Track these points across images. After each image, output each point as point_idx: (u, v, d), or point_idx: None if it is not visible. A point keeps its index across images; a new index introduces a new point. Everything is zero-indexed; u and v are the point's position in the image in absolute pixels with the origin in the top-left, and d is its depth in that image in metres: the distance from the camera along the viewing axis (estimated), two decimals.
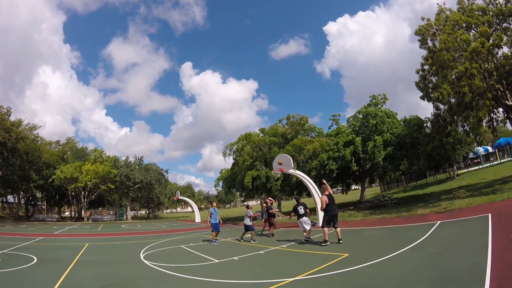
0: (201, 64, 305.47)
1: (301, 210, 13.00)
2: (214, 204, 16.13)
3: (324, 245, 10.60)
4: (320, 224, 11.11)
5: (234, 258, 10.30)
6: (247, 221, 15.16)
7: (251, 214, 15.72)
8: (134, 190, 54.85)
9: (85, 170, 46.95)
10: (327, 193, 11.34)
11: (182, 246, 14.65)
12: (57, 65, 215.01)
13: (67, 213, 72.15)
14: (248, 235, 15.20)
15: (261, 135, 34.09)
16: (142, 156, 60.30)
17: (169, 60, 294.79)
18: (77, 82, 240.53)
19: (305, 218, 12.80)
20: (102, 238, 21.31)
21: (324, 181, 13.36)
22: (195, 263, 10.07)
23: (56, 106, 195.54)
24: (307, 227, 12.69)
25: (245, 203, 17.65)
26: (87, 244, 16.53)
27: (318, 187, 19.06)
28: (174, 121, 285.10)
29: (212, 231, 15.04)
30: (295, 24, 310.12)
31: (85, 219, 50.15)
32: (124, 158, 58.92)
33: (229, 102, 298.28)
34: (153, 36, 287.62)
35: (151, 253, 12.67)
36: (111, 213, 56.84)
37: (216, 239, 14.89)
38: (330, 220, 11.07)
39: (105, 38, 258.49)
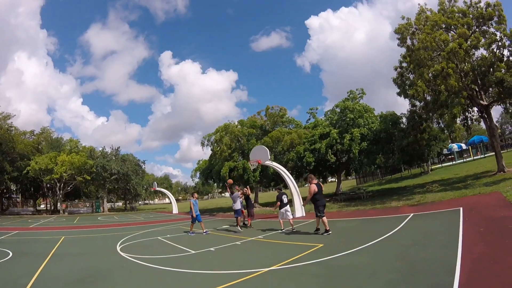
0: (181, 53, 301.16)
1: (285, 199, 13.26)
2: (196, 195, 16.06)
3: (327, 234, 10.48)
4: (316, 214, 10.97)
5: (211, 249, 10.29)
6: (237, 205, 15.00)
7: (239, 195, 15.69)
8: (111, 182, 53.72)
9: (60, 161, 45.53)
10: (315, 181, 11.21)
11: (159, 237, 14.58)
12: (33, 51, 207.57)
13: (42, 206, 70.22)
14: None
15: (239, 126, 34.01)
16: (119, 147, 59.29)
17: (149, 48, 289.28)
18: (53, 69, 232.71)
19: (287, 207, 13.07)
20: (78, 230, 20.97)
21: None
22: (171, 254, 10.02)
23: (32, 94, 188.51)
24: (290, 216, 12.95)
25: (236, 188, 17.04)
26: (63, 237, 16.30)
27: (294, 179, 19.21)
28: (152, 111, 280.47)
29: (192, 222, 15.11)
30: (277, 17, 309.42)
31: (61, 211, 48.94)
32: (100, 149, 57.78)
33: (209, 92, 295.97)
34: (133, 23, 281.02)
35: (128, 245, 12.57)
36: (88, 205, 55.67)
37: (193, 231, 15.00)
38: (324, 208, 10.98)
39: (83, 24, 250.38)
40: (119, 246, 12.32)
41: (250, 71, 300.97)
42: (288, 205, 13.20)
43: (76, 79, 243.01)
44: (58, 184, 47.62)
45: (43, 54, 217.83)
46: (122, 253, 10.55)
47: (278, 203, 13.25)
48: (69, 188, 50.18)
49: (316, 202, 10.93)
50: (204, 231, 14.57)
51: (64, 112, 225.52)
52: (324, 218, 10.71)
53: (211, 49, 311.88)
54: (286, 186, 20.47)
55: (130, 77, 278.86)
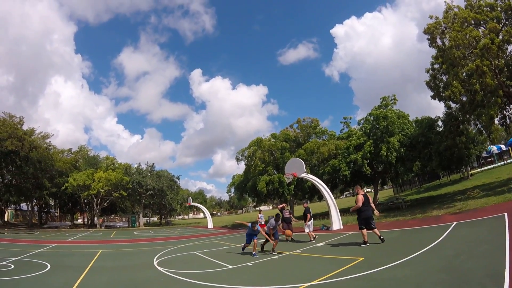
0: (210, 70, 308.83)
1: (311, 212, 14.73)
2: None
3: (364, 246, 10.37)
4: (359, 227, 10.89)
5: (248, 263, 10.29)
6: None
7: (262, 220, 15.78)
8: (146, 197, 55.29)
9: (97, 178, 47.55)
10: (362, 192, 11.09)
11: (195, 252, 14.71)
12: (69, 75, 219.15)
13: (80, 220, 72.89)
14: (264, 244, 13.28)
15: (272, 140, 34.09)
16: (154, 163, 61.02)
17: (179, 67, 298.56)
18: (89, 91, 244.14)
19: (312, 221, 15.15)
20: (115, 244, 21.49)
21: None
22: (208, 269, 10.09)
23: (68, 114, 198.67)
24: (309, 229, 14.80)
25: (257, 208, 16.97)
26: (100, 250, 16.73)
27: (330, 191, 18.97)
28: (185, 127, 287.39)
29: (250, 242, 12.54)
30: (303, 28, 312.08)
31: (97, 226, 50.64)
32: (136, 165, 59.74)
33: (239, 107, 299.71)
34: (163, 45, 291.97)
35: (165, 259, 12.74)
36: (124, 220, 57.17)
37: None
38: (366, 222, 10.76)
39: (116, 48, 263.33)
40: (156, 260, 12.49)
41: (280, 84, 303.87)
42: (312, 219, 15.15)
43: (111, 100, 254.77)
44: (95, 200, 49.53)
45: (78, 77, 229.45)
46: (159, 268, 10.66)
47: (308, 215, 14.87)
48: (105, 204, 52.00)
49: (360, 213, 10.82)
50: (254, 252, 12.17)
51: (100, 131, 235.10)
52: (364, 231, 10.58)
53: (240, 65, 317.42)
54: (321, 197, 20.29)
55: (162, 96, 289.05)
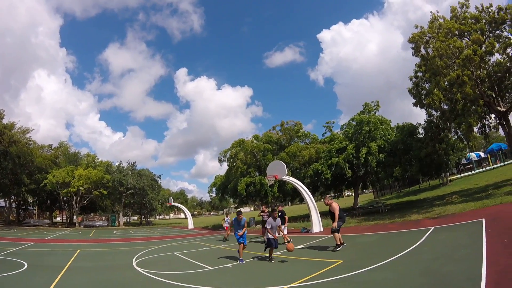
0: (196, 70, 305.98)
1: None
2: (241, 216, 11.65)
3: (338, 250, 10.49)
4: (333, 229, 10.97)
5: (228, 265, 10.22)
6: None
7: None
8: (127, 196, 54.37)
9: (77, 175, 46.55)
10: (332, 199, 11.41)
11: (175, 253, 14.55)
12: (53, 69, 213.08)
13: (58, 218, 71.16)
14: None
15: (255, 141, 34.10)
16: (135, 162, 60.06)
17: (165, 66, 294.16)
18: (72, 86, 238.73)
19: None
20: (94, 244, 21.08)
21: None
22: (188, 270, 9.99)
23: (50, 109, 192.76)
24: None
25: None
26: (79, 250, 16.33)
27: (311, 194, 19.07)
28: (168, 127, 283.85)
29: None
30: (290, 32, 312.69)
31: (76, 224, 49.46)
32: (117, 164, 58.52)
33: (224, 108, 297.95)
34: (150, 42, 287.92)
35: (144, 260, 12.54)
36: (103, 219, 56.02)
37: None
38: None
39: (102, 43, 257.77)
40: (135, 260, 12.29)
41: (265, 86, 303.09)
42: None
43: (94, 96, 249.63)
44: (74, 198, 48.46)
45: (62, 72, 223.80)
46: (138, 268, 10.48)
47: (286, 218, 15.03)
48: (85, 202, 50.97)
49: (340, 219, 11.01)
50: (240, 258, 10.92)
51: (82, 128, 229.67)
52: (339, 234, 10.82)
53: (226, 66, 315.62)
54: (302, 200, 20.37)
55: (147, 94, 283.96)
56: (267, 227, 10.89)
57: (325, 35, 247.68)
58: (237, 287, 7.25)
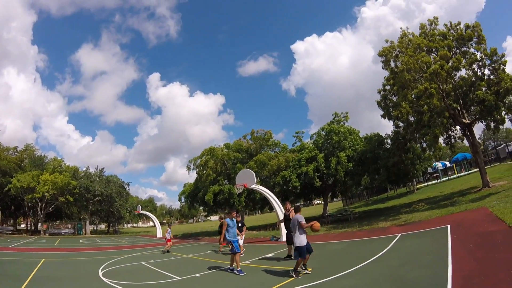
0: (169, 75, 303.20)
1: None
2: (234, 213, 10.98)
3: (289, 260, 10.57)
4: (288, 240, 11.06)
5: (196, 275, 10.00)
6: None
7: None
8: (94, 203, 52.46)
9: (43, 180, 44.37)
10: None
11: (142, 262, 14.17)
12: (23, 67, 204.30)
13: (22, 225, 68.08)
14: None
15: (225, 150, 33.97)
16: (103, 168, 58.10)
17: (138, 70, 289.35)
18: (41, 86, 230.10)
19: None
20: (59, 253, 20.36)
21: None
22: (155, 280, 9.68)
23: (18, 109, 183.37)
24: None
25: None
26: (43, 259, 15.67)
27: (281, 203, 19.10)
28: (139, 132, 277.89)
29: (232, 252, 9.97)
30: (265, 42, 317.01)
31: (41, 232, 47.32)
32: (84, 169, 56.42)
33: (196, 115, 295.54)
34: (124, 45, 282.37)
35: (110, 270, 12.17)
36: (69, 227, 53.86)
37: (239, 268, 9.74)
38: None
39: (75, 43, 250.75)
40: (101, 271, 11.91)
41: (237, 95, 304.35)
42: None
43: (64, 97, 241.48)
44: (39, 204, 46.33)
45: (32, 70, 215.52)
46: (104, 279, 10.14)
47: (244, 228, 15.07)
48: (50, 209, 48.81)
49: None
50: (238, 269, 9.71)
51: (49, 130, 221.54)
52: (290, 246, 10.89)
53: (200, 73, 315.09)
54: (272, 209, 20.36)
55: (118, 98, 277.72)
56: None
57: (298, 46, 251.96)
58: None
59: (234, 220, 10.41)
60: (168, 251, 18.04)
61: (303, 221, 8.48)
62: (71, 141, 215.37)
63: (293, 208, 11.07)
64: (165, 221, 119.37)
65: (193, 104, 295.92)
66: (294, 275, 7.94)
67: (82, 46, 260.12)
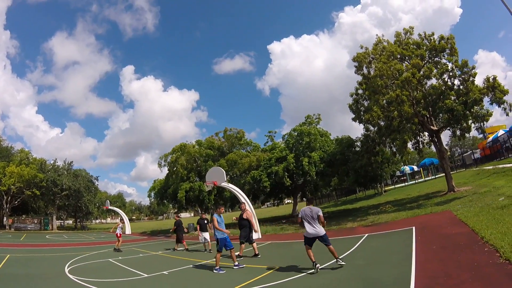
0: (143, 69, 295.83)
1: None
2: (222, 209, 10.93)
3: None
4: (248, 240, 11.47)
5: (164, 272, 9.94)
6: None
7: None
8: (61, 198, 50.85)
9: (8, 172, 42.86)
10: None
11: (110, 259, 13.95)
12: None
13: None
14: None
15: (197, 147, 33.78)
16: (72, 161, 56.55)
17: (112, 62, 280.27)
18: (11, 73, 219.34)
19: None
20: (25, 249, 19.90)
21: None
22: (122, 277, 9.58)
23: None
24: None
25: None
26: (8, 255, 15.35)
27: (251, 201, 19.19)
28: (110, 126, 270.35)
29: (218, 250, 9.76)
30: (242, 41, 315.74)
31: (6, 227, 45.66)
32: (52, 162, 54.60)
33: (169, 111, 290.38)
34: (100, 36, 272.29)
35: (77, 267, 11.98)
36: (36, 222, 51.82)
37: (221, 267, 9.45)
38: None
39: (49, 31, 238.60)
40: (68, 267, 11.70)
41: (212, 92, 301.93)
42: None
43: (34, 87, 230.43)
44: (5, 197, 44.84)
45: (2, 57, 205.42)
46: (70, 276, 9.96)
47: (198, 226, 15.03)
48: (16, 202, 47.23)
49: (245, 227, 11.42)
50: (218, 267, 9.41)
51: (17, 120, 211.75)
52: (254, 244, 11.43)
53: (175, 68, 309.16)
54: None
55: (90, 90, 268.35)
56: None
57: (275, 47, 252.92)
58: None
59: (222, 216, 10.14)
60: (119, 250, 17.27)
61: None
62: (39, 132, 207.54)
63: (247, 208, 11.85)
64: (134, 217, 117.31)
65: (167, 99, 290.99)
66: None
67: (56, 34, 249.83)
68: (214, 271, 9.24)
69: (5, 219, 48.22)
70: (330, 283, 6.73)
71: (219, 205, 11.66)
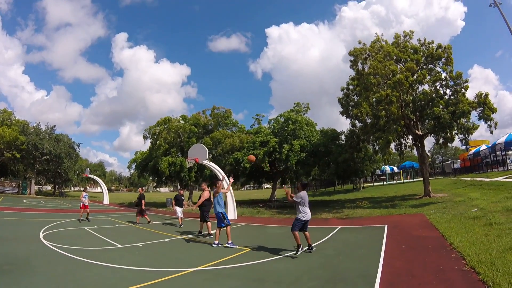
0: (137, 38, 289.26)
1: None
2: (220, 183, 10.47)
3: (209, 237, 11.24)
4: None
5: (138, 244, 10.08)
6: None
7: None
8: (41, 162, 49.78)
9: None
10: (208, 189, 11.87)
11: (85, 228, 14.07)
12: None
13: None
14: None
15: (182, 122, 33.48)
16: (54, 125, 55.15)
17: (106, 27, 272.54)
18: (1, 30, 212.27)
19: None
20: (0, 212, 19.75)
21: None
22: (96, 246, 9.68)
23: None
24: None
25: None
26: None
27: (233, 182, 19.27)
28: (96, 92, 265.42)
29: (219, 226, 9.73)
30: (240, 21, 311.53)
31: None
32: (34, 125, 53.23)
33: (158, 83, 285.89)
34: None
35: (52, 233, 12.07)
36: (14, 185, 51.31)
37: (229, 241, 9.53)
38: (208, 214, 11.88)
39: None
40: (43, 233, 11.80)
41: (204, 69, 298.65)
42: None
43: (23, 46, 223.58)
44: None
45: None
46: (44, 241, 10.07)
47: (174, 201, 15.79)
48: None
49: (204, 207, 11.58)
50: (230, 241, 9.52)
51: (2, 79, 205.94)
52: (209, 223, 11.54)
53: (169, 40, 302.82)
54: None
55: (80, 54, 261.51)
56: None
57: (273, 31, 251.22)
58: (142, 267, 7.12)
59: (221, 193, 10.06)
60: (87, 219, 17.11)
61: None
62: (24, 93, 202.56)
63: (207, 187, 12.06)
64: (113, 187, 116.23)
65: (157, 71, 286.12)
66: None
67: None
68: (227, 244, 9.38)
69: None
70: (298, 269, 6.87)
71: (218, 180, 11.82)
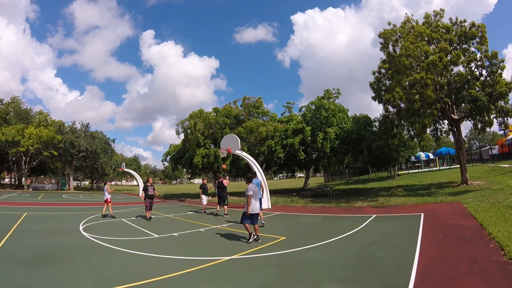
0: (163, 34, 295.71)
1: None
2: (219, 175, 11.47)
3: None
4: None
5: (174, 234, 10.31)
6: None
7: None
8: (78, 159, 52.27)
9: (27, 134, 43.85)
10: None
11: (123, 219, 14.44)
12: (12, 17, 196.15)
13: (6, 180, 67.81)
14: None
15: (214, 114, 33.73)
16: (89, 123, 57.66)
17: (133, 27, 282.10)
18: (31, 37, 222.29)
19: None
20: (42, 207, 20.55)
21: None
22: (134, 237, 9.99)
23: (5, 61, 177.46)
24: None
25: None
26: (26, 213, 15.89)
27: (264, 172, 19.37)
28: (128, 90, 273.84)
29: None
30: (265, 10, 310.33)
31: (25, 187, 47.41)
32: (70, 124, 55.82)
33: (188, 77, 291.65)
34: (121, 1, 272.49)
35: (91, 225, 12.44)
36: (53, 182, 53.55)
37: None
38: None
39: None
40: (82, 225, 12.18)
41: (232, 61, 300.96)
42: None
43: (54, 50, 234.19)
44: (24, 158, 46.06)
45: (22, 21, 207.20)
46: (84, 233, 10.42)
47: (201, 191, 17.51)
48: (35, 163, 48.60)
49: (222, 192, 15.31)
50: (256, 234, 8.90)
51: (36, 84, 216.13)
52: (225, 207, 15.40)
53: (195, 34, 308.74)
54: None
55: (110, 54, 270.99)
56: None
57: (298, 18, 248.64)
58: (179, 256, 7.31)
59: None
60: (112, 216, 15.03)
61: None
62: (58, 95, 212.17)
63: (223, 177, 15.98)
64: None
65: (186, 65, 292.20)
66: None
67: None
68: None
69: (23, 179, 49.80)
70: (332, 257, 6.90)
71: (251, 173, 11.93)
